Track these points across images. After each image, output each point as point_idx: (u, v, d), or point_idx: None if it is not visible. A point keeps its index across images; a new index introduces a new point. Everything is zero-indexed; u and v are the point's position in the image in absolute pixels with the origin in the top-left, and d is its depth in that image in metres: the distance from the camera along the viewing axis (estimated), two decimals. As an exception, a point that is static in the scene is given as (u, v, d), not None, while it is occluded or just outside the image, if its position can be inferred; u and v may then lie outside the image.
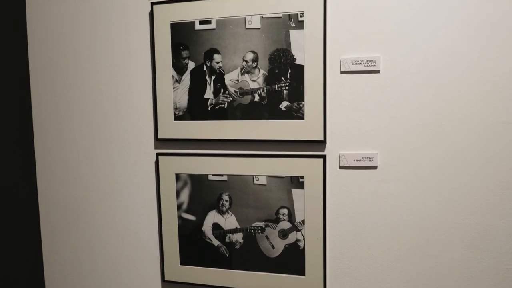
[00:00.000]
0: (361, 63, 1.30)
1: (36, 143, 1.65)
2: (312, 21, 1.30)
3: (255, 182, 1.40)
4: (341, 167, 1.35)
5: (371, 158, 1.31)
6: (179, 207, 1.49)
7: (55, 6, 1.58)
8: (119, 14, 1.51)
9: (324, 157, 1.34)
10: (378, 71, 1.29)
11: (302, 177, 1.36)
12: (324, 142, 1.33)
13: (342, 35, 1.31)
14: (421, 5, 1.25)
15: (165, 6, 1.43)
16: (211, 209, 1.46)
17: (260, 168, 1.39)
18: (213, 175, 1.44)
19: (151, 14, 1.45)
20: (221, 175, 1.43)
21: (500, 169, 1.24)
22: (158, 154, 1.49)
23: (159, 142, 1.50)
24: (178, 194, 1.48)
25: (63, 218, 1.65)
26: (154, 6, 1.44)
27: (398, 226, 1.32)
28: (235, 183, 1.42)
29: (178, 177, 1.48)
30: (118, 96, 1.54)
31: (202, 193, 1.46)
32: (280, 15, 1.33)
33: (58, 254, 1.68)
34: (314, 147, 1.36)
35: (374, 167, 1.32)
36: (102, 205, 1.60)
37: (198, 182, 1.46)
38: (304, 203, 1.37)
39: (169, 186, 1.49)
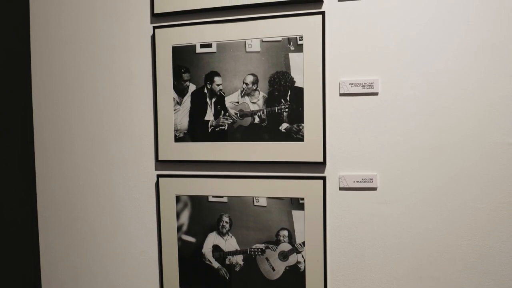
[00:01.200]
0: (359, 86, 1.31)
1: (37, 165, 1.65)
2: (311, 45, 1.33)
3: (255, 203, 1.40)
4: (341, 189, 1.35)
5: (371, 179, 1.32)
6: (179, 228, 1.49)
7: (58, 28, 1.60)
8: (122, 37, 1.53)
9: (324, 178, 1.34)
10: (376, 93, 1.31)
11: (302, 199, 1.36)
12: (324, 163, 1.34)
13: (341, 58, 1.33)
14: (419, 28, 1.27)
15: (167, 30, 1.45)
16: (211, 231, 1.45)
17: (260, 190, 1.40)
18: (213, 196, 1.44)
19: (153, 37, 1.48)
20: (221, 197, 1.43)
21: (500, 190, 1.24)
22: (158, 176, 1.50)
23: (160, 163, 1.51)
24: (178, 215, 1.48)
25: (63, 239, 1.64)
26: (156, 30, 1.46)
27: (398, 247, 1.32)
28: (235, 204, 1.42)
29: (178, 198, 1.48)
30: (119, 117, 1.55)
31: (202, 215, 1.46)
32: (279, 38, 1.36)
33: (58, 276, 1.66)
34: (314, 169, 1.36)
35: (374, 189, 1.32)
36: (102, 226, 1.60)
37: (198, 203, 1.46)
38: (304, 224, 1.37)
39: (169, 207, 1.49)
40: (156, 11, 1.46)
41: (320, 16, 1.31)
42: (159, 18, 1.48)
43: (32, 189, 1.65)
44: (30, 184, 1.65)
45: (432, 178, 1.28)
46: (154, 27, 1.47)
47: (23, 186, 1.64)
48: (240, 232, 1.43)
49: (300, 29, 1.33)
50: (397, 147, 1.30)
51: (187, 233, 1.48)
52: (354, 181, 1.33)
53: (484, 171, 1.25)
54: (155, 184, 1.52)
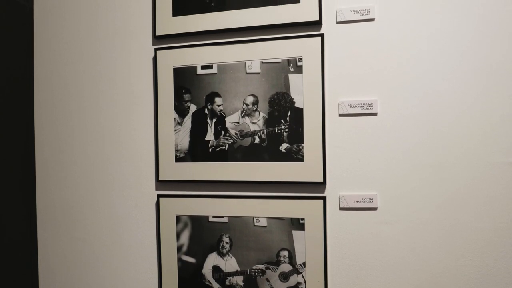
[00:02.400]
0: (358, 106, 1.33)
1: (38, 184, 1.66)
2: (311, 66, 1.35)
3: (256, 223, 1.40)
4: (341, 209, 1.35)
5: (371, 199, 1.32)
6: (179, 249, 1.48)
7: (61, 48, 1.63)
8: (124, 59, 1.55)
9: (324, 198, 1.35)
10: (375, 114, 1.32)
11: (303, 219, 1.36)
12: (323, 183, 1.34)
13: (340, 79, 1.35)
14: (417, 48, 1.29)
15: (168, 52, 1.48)
16: (211, 251, 1.45)
17: (261, 210, 1.40)
18: (214, 216, 1.44)
19: (155, 59, 1.50)
20: (222, 217, 1.43)
21: (501, 210, 1.24)
22: (159, 196, 1.50)
23: (160, 183, 1.51)
24: (178, 236, 1.48)
25: (62, 260, 1.63)
26: (158, 52, 1.49)
27: (399, 268, 1.31)
28: (235, 224, 1.42)
29: (178, 218, 1.48)
30: (120, 137, 1.56)
31: (202, 235, 1.45)
32: (279, 60, 1.38)
33: (55, 298, 1.65)
34: (314, 189, 1.37)
35: (374, 209, 1.32)
36: (102, 246, 1.59)
37: (198, 223, 1.46)
38: (305, 245, 1.36)
39: (169, 227, 1.49)
40: (158, 33, 1.49)
41: (319, 38, 1.34)
42: (161, 40, 1.50)
43: (32, 209, 1.65)
44: (30, 204, 1.65)
45: (432, 198, 1.28)
46: (156, 49, 1.49)
47: (23, 206, 1.64)
48: (241, 252, 1.42)
49: (300, 51, 1.36)
50: (397, 167, 1.31)
51: (187, 253, 1.47)
52: (354, 201, 1.33)
53: (484, 190, 1.25)
54: (156, 204, 1.52)
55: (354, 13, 1.33)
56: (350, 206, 1.34)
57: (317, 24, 1.35)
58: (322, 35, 1.34)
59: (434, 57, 1.28)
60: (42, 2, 1.66)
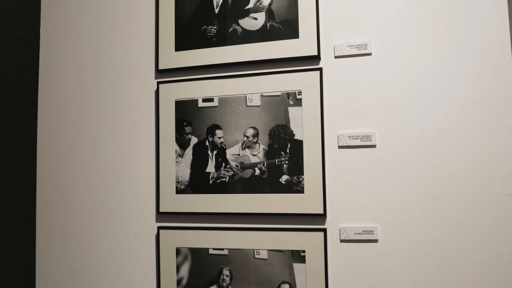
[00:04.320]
0: (357, 138, 1.34)
1: (38, 215, 1.65)
2: (310, 99, 1.37)
3: (256, 256, 1.39)
4: (342, 241, 1.35)
5: (372, 231, 1.32)
6: (178, 282, 1.46)
7: (66, 81, 1.66)
8: (127, 92, 1.58)
9: (324, 230, 1.34)
10: (374, 146, 1.33)
11: (303, 251, 1.36)
12: (324, 215, 1.34)
13: (339, 112, 1.37)
14: (415, 81, 1.31)
15: (170, 85, 1.51)
16: (211, 285, 1.43)
17: (261, 242, 1.39)
18: (214, 249, 1.43)
19: (157, 92, 1.53)
20: (222, 249, 1.43)
21: (501, 241, 1.23)
22: (159, 228, 1.50)
23: (161, 215, 1.51)
24: (178, 268, 1.47)
25: (60, 293, 1.62)
26: (160, 85, 1.52)
27: (402, 302, 1.29)
28: (235, 257, 1.41)
29: (178, 251, 1.47)
30: (121, 169, 1.57)
31: (203, 268, 1.44)
32: (279, 93, 1.40)
33: (52, 333, 1.62)
34: (315, 221, 1.37)
35: (375, 241, 1.32)
36: (101, 279, 1.57)
37: (198, 256, 1.45)
38: (306, 278, 1.35)
39: (169, 260, 1.47)
40: (160, 67, 1.52)
41: (318, 72, 1.37)
42: (163, 74, 1.54)
43: (31, 240, 1.64)
44: (29, 236, 1.64)
45: (432, 230, 1.28)
46: (158, 82, 1.52)
47: (23, 237, 1.63)
48: (241, 285, 1.40)
49: (299, 85, 1.38)
50: (397, 198, 1.31)
51: (187, 286, 1.46)
52: (354, 233, 1.33)
53: (484, 222, 1.25)
54: (156, 236, 1.51)
55: (351, 48, 1.37)
56: (351, 238, 1.33)
57: (316, 58, 1.39)
58: (320, 69, 1.37)
59: (431, 90, 1.30)
60: (48, 37, 1.71)
